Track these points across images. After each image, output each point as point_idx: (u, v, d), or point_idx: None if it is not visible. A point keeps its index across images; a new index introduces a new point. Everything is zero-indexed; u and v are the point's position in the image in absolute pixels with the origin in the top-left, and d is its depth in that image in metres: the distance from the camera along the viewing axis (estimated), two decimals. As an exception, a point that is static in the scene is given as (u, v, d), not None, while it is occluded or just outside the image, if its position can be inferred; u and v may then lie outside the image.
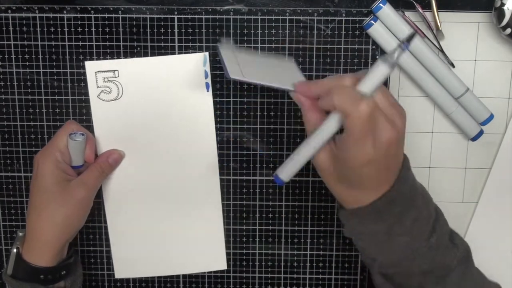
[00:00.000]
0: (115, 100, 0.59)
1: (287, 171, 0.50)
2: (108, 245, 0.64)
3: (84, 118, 0.61)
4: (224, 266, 0.63)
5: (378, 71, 0.45)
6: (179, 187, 0.61)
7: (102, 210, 0.62)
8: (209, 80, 0.59)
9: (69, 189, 0.55)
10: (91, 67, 0.59)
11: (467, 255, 0.53)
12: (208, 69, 0.59)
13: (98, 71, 0.59)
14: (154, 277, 0.64)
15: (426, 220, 0.49)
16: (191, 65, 0.59)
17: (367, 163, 0.45)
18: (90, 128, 0.60)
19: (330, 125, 0.46)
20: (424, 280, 0.50)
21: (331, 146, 0.48)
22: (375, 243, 0.49)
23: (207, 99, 0.59)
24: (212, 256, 0.63)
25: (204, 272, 0.64)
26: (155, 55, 0.59)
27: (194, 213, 0.62)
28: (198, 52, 0.59)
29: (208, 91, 0.59)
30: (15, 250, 0.56)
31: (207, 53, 0.59)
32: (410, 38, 0.45)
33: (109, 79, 0.59)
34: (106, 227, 0.63)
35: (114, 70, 0.59)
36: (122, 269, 0.63)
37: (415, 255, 0.49)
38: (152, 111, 0.59)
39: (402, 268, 0.49)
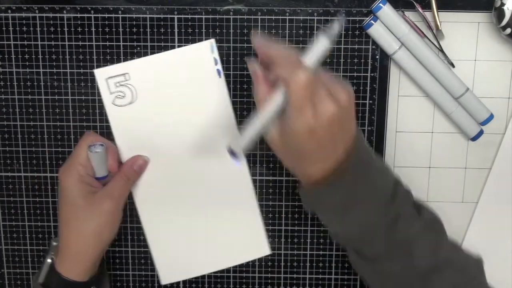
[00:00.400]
0: (130, 103, 0.59)
1: (240, 145, 0.49)
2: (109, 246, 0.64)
3: (84, 118, 0.61)
4: (267, 251, 0.63)
5: (319, 44, 0.46)
6: (208, 181, 0.60)
7: (134, 216, 0.62)
8: (219, 66, 0.58)
9: (96, 201, 0.55)
10: (101, 74, 0.58)
11: (433, 225, 0.52)
12: (216, 56, 0.58)
13: (108, 78, 0.58)
14: (154, 278, 0.64)
15: (384, 189, 0.49)
16: (199, 54, 0.58)
17: (308, 133, 0.45)
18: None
19: (277, 97, 0.47)
20: (390, 251, 0.49)
21: (280, 121, 0.48)
22: (334, 216, 0.50)
23: (221, 86, 0.59)
24: (253, 244, 0.63)
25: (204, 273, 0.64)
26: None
27: (228, 205, 0.61)
28: (204, 41, 0.58)
29: (220, 77, 0.59)
30: (49, 260, 0.56)
31: (213, 40, 0.58)
32: (346, 12, 0.46)
33: (121, 83, 0.58)
34: (106, 227, 0.63)
35: (124, 74, 0.58)
36: (167, 274, 0.63)
37: (375, 228, 0.49)
38: (169, 108, 0.59)
39: (366, 241, 0.50)
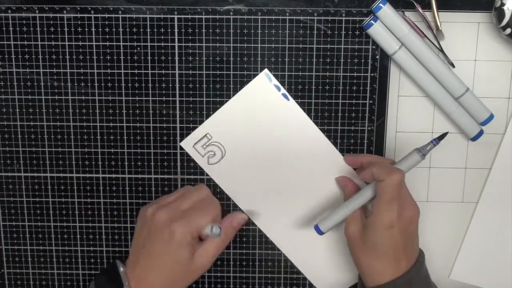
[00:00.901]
0: (223, 157, 0.61)
1: (327, 225, 0.56)
2: (108, 245, 0.64)
3: (84, 118, 0.61)
4: None
5: (412, 158, 0.54)
6: (314, 199, 0.62)
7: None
8: (283, 90, 0.60)
9: (194, 258, 0.56)
10: (187, 144, 0.61)
11: None
12: (276, 83, 0.59)
13: (194, 144, 0.61)
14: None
15: None
16: (260, 87, 0.60)
17: (389, 227, 0.52)
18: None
19: (366, 192, 0.55)
20: None
21: (361, 217, 0.55)
22: None
23: (293, 107, 0.60)
24: None
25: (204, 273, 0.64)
26: (155, 56, 0.59)
27: None
28: (259, 73, 0.59)
29: (288, 99, 0.60)
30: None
31: (266, 70, 0.59)
32: (441, 137, 0.54)
33: (207, 144, 0.61)
34: (106, 227, 0.63)
35: (205, 134, 0.61)
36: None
37: None
38: (258, 144, 0.61)
39: None
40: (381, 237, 0.52)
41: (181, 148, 0.62)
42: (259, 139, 0.61)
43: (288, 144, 0.61)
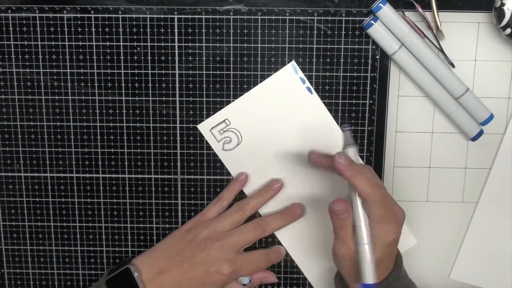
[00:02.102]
0: (238, 145, 0.61)
1: (368, 276, 0.51)
2: (108, 245, 0.64)
3: (85, 118, 0.61)
4: (413, 241, 0.62)
5: (351, 152, 0.52)
6: (324, 196, 0.62)
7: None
8: (308, 83, 0.59)
9: None
10: (204, 127, 0.61)
11: None
12: (302, 75, 0.59)
13: (211, 128, 0.61)
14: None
15: None
16: (286, 78, 0.59)
17: (392, 243, 0.51)
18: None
19: (361, 216, 0.51)
20: None
21: (352, 237, 0.52)
22: None
23: (315, 101, 0.60)
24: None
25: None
26: (155, 56, 0.59)
27: None
28: (286, 65, 0.59)
29: (312, 93, 0.59)
30: None
31: (293, 62, 0.59)
32: (348, 123, 0.56)
33: (224, 129, 0.61)
34: (106, 227, 0.63)
35: (224, 120, 0.60)
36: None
37: None
38: (276, 136, 0.60)
39: None
40: (382, 254, 0.51)
41: (181, 148, 0.62)
42: (278, 130, 0.60)
43: (306, 138, 0.60)
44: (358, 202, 0.51)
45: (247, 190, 0.62)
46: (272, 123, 0.60)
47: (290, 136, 0.61)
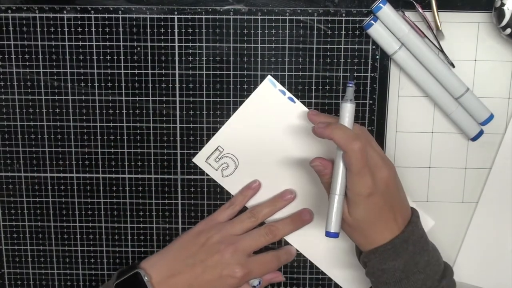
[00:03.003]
0: (236, 169, 0.61)
1: (334, 224, 0.53)
2: (108, 245, 0.64)
3: (85, 118, 0.61)
4: (431, 222, 0.62)
5: (346, 109, 0.52)
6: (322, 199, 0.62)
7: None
8: (288, 94, 0.60)
9: None
10: (200, 159, 0.61)
11: None
12: (281, 87, 0.60)
13: (206, 159, 0.61)
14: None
15: (437, 265, 0.54)
16: (266, 94, 0.60)
17: (368, 195, 0.50)
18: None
19: (341, 169, 0.52)
20: None
21: (346, 197, 0.52)
22: (394, 281, 0.53)
23: (300, 109, 0.60)
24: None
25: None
26: (155, 56, 0.59)
27: None
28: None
29: (295, 102, 0.60)
30: None
31: (269, 76, 0.59)
32: (352, 77, 0.55)
33: (219, 157, 0.61)
34: (106, 227, 0.63)
35: (217, 147, 0.61)
36: None
37: None
38: (271, 151, 0.61)
39: None
40: (365, 209, 0.51)
41: (181, 148, 0.62)
42: (271, 145, 0.61)
43: (300, 146, 0.61)
44: (338, 154, 0.52)
45: (249, 205, 0.62)
46: (265, 140, 0.61)
47: (285, 148, 0.61)
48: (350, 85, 0.52)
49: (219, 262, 0.57)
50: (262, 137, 0.61)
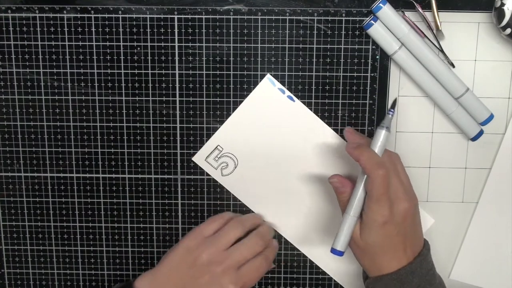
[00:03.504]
0: (236, 168, 0.61)
1: (342, 244, 0.54)
2: (108, 245, 0.64)
3: (85, 118, 0.61)
4: (431, 220, 0.62)
5: (380, 136, 0.53)
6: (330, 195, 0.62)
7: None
8: (288, 93, 0.60)
9: None
10: (199, 158, 0.61)
11: None
12: (280, 86, 0.59)
13: (205, 158, 0.61)
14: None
15: None
16: (265, 92, 0.60)
17: (383, 224, 0.51)
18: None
19: (360, 193, 0.53)
20: None
21: (360, 219, 0.54)
22: None
23: (300, 108, 0.60)
24: None
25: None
26: (155, 56, 0.59)
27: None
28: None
29: (294, 101, 0.60)
30: None
31: (268, 75, 0.59)
32: (393, 104, 0.55)
33: (219, 156, 0.61)
34: (106, 227, 0.63)
35: (216, 146, 0.61)
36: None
37: None
38: (271, 150, 0.61)
39: None
40: (377, 236, 0.52)
41: (181, 148, 0.62)
42: (270, 144, 0.61)
43: (299, 145, 0.61)
44: (361, 177, 0.53)
45: (256, 209, 0.63)
46: (264, 139, 0.61)
47: (284, 148, 0.61)
48: (390, 113, 0.54)
49: (210, 283, 0.56)
50: (262, 136, 0.61)
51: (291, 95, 0.60)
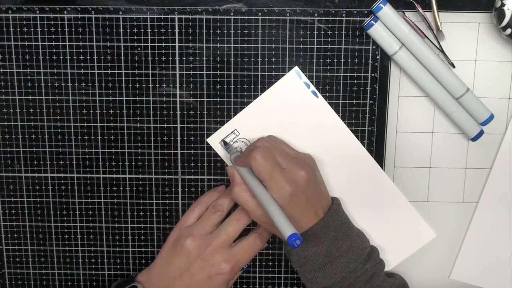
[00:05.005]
0: None
1: (288, 228, 0.50)
2: (108, 245, 0.64)
3: (85, 119, 0.61)
4: (433, 235, 0.62)
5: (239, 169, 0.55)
6: (352, 192, 0.61)
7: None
8: (312, 87, 0.60)
9: None
10: (213, 140, 0.61)
11: (404, 286, 0.60)
12: (306, 80, 0.59)
13: (221, 140, 0.61)
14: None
15: (361, 249, 0.56)
16: (290, 84, 0.60)
17: (291, 196, 0.52)
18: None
19: (257, 184, 0.54)
20: None
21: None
22: (318, 266, 0.55)
23: (322, 105, 0.60)
24: (417, 232, 0.62)
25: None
26: (155, 56, 0.59)
27: (379, 205, 0.62)
28: (290, 71, 0.59)
29: (318, 97, 0.60)
30: None
31: (296, 67, 0.59)
32: (225, 143, 0.60)
33: (234, 140, 0.61)
34: (106, 227, 0.63)
35: (233, 130, 0.61)
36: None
37: (354, 276, 0.55)
38: (287, 142, 0.60)
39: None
40: (290, 208, 0.53)
41: (181, 148, 0.62)
42: (287, 135, 0.60)
43: (315, 141, 0.60)
44: (248, 174, 0.54)
45: None
46: (281, 130, 0.60)
47: (300, 142, 0.60)
48: (227, 148, 0.59)
49: (202, 266, 0.57)
50: (279, 128, 0.60)
51: (316, 90, 0.60)
